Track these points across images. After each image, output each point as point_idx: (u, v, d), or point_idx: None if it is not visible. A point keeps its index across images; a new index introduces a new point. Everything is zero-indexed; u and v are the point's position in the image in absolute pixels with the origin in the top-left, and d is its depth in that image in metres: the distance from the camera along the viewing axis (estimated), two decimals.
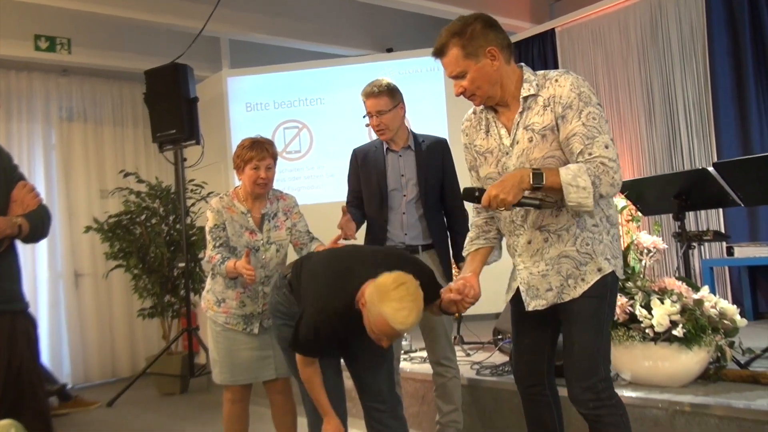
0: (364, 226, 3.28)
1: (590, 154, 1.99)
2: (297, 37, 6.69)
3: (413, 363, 4.08)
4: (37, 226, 2.48)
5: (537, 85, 2.12)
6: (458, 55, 2.08)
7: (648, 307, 2.96)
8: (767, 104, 5.25)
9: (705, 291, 3.08)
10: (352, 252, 2.59)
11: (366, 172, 3.24)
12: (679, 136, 5.73)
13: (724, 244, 5.17)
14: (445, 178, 3.23)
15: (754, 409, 2.60)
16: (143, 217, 5.73)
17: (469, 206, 2.38)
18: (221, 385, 3.13)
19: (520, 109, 2.13)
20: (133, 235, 5.68)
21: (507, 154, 2.15)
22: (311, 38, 6.77)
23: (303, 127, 6.38)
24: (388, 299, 2.12)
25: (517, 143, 2.12)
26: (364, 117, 3.17)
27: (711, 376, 3.04)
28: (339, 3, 6.79)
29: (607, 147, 2.00)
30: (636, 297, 3.02)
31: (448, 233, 3.26)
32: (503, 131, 2.17)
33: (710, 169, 3.45)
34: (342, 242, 2.90)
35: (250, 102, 6.41)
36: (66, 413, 4.89)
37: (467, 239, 2.38)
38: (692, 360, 2.93)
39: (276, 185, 3.18)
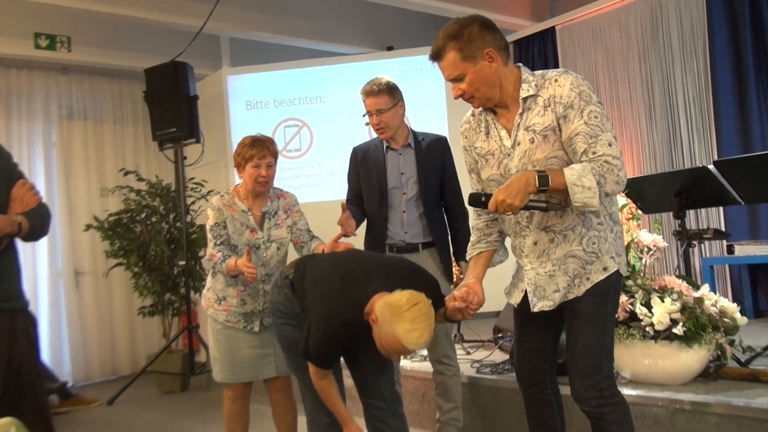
0: (364, 225, 3.28)
1: (594, 152, 1.99)
2: (297, 35, 6.68)
3: (413, 361, 4.08)
4: (37, 224, 2.47)
5: (536, 85, 2.10)
6: (456, 58, 2.07)
7: (648, 306, 2.96)
8: None
9: (705, 289, 3.08)
10: (357, 259, 2.58)
11: (366, 170, 3.24)
12: (680, 134, 5.73)
13: (725, 242, 5.18)
14: (445, 176, 3.23)
15: (755, 407, 2.60)
16: (143, 215, 5.73)
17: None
18: (222, 383, 3.13)
19: (520, 111, 2.11)
20: (133, 233, 5.68)
21: (508, 155, 2.14)
22: (311, 36, 6.76)
23: (303, 126, 6.38)
24: (402, 320, 2.12)
25: (519, 145, 2.12)
26: (364, 116, 3.17)
27: (711, 374, 3.04)
28: (339, 1, 6.80)
29: (610, 145, 1.99)
30: (636, 295, 3.02)
31: (449, 231, 3.26)
32: (503, 133, 2.16)
33: (711, 167, 3.44)
34: (342, 240, 2.90)
35: (250, 100, 6.41)
36: (66, 411, 4.90)
37: (469, 243, 2.38)
38: (692, 358, 2.94)
39: (276, 184, 3.17)
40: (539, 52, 6.79)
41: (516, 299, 2.27)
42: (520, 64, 2.19)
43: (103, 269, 6.05)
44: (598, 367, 2.09)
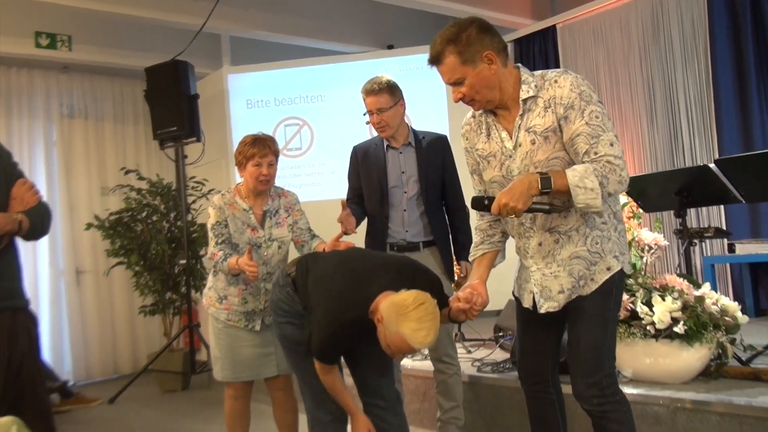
0: (364, 224, 3.27)
1: (596, 153, 1.98)
2: (298, 34, 6.68)
3: (414, 360, 4.07)
4: (37, 223, 2.47)
5: (536, 86, 2.10)
6: (455, 62, 2.06)
7: (649, 304, 2.96)
8: None
9: (706, 288, 3.08)
10: (360, 257, 2.58)
11: (366, 169, 3.24)
12: (681, 133, 5.73)
13: (726, 240, 5.18)
14: (446, 174, 3.22)
15: (756, 406, 2.60)
16: (144, 214, 5.73)
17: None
18: (223, 382, 3.13)
19: (520, 112, 2.11)
20: (134, 232, 5.68)
21: (510, 157, 2.14)
22: (312, 35, 6.76)
23: (304, 125, 6.38)
24: (408, 319, 2.13)
25: (520, 146, 2.11)
26: (364, 114, 3.16)
27: (712, 373, 3.04)
28: (340, 0, 6.79)
29: (612, 144, 1.99)
30: (637, 294, 3.02)
31: (449, 230, 3.26)
32: (504, 134, 2.16)
33: (712, 165, 3.44)
34: (343, 239, 2.90)
35: (250, 99, 6.41)
36: (67, 410, 4.90)
37: (473, 244, 2.37)
38: (693, 357, 2.93)
39: (277, 183, 3.17)
40: (540, 50, 6.78)
41: (528, 302, 2.25)
42: (519, 64, 2.18)
43: (104, 268, 6.04)
44: (599, 366, 2.09)
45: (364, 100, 3.13)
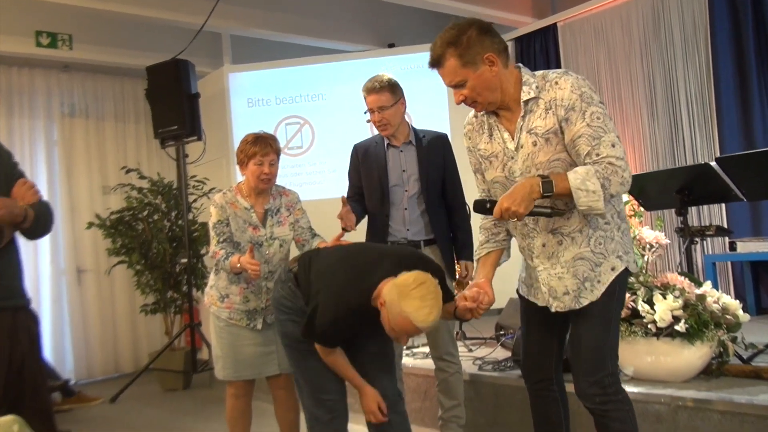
0: (364, 222, 3.27)
1: (598, 154, 1.98)
2: (298, 33, 6.68)
3: (415, 358, 4.08)
4: (41, 217, 2.47)
5: (537, 87, 2.09)
6: (456, 64, 2.05)
7: (650, 303, 2.96)
8: None
9: (707, 286, 3.08)
10: (362, 251, 2.59)
11: (367, 167, 3.24)
12: (682, 131, 5.73)
13: (727, 239, 5.18)
14: (447, 173, 3.22)
15: (757, 404, 2.60)
16: (145, 213, 5.74)
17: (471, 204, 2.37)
18: (224, 380, 3.13)
19: (522, 113, 2.10)
20: (135, 231, 5.69)
21: (512, 158, 2.14)
22: (313, 34, 6.76)
23: (305, 123, 6.37)
24: (410, 298, 2.14)
25: (522, 147, 2.11)
26: (365, 113, 3.16)
27: (713, 371, 3.04)
28: None
29: (614, 146, 1.98)
30: (638, 292, 3.02)
31: (450, 228, 3.25)
32: (506, 135, 2.15)
33: (713, 163, 3.43)
34: (343, 237, 2.90)
35: (251, 98, 6.41)
36: (69, 409, 4.90)
37: (477, 243, 2.37)
38: (695, 355, 2.94)
39: (278, 181, 3.17)
40: (541, 49, 6.78)
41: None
42: (519, 64, 2.18)
43: (106, 267, 6.05)
44: (602, 364, 2.09)
45: (365, 98, 3.13)
